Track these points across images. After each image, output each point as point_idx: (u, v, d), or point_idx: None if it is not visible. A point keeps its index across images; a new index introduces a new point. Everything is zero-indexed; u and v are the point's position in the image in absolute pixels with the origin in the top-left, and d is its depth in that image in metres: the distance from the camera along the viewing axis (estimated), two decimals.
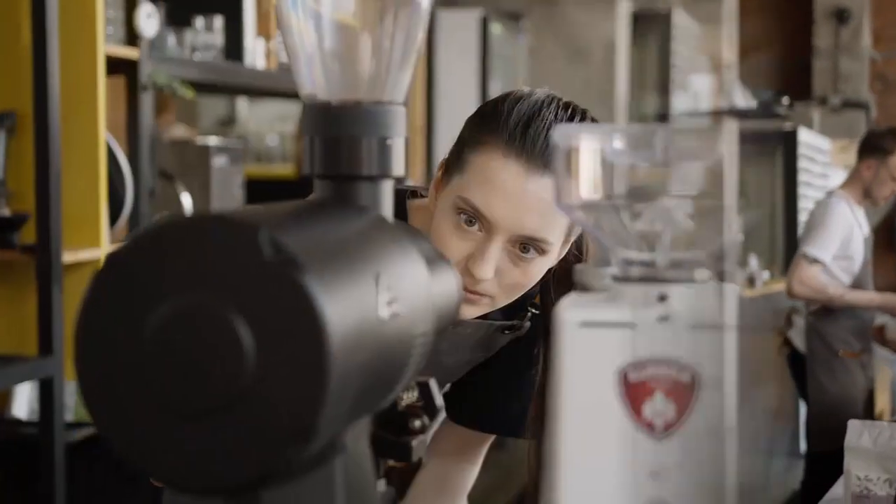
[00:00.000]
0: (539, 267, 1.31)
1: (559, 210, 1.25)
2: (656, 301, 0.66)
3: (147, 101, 2.94)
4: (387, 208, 0.77)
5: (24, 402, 3.01)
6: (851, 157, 8.06)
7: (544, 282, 1.38)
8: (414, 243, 0.76)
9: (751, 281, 5.70)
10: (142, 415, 0.60)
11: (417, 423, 0.84)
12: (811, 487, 4.61)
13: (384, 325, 0.65)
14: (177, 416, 0.59)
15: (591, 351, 0.66)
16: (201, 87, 3.61)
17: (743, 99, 5.94)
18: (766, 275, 5.95)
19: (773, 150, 6.83)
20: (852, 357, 4.59)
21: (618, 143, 0.67)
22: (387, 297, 0.66)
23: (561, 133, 0.67)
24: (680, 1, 7.09)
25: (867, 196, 4.59)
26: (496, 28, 5.45)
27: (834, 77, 8.34)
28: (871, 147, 4.59)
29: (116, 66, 2.89)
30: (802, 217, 7.00)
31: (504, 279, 1.29)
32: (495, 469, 2.28)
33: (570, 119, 1.29)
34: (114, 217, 2.82)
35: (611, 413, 0.65)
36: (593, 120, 1.34)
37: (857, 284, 4.59)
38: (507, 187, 1.25)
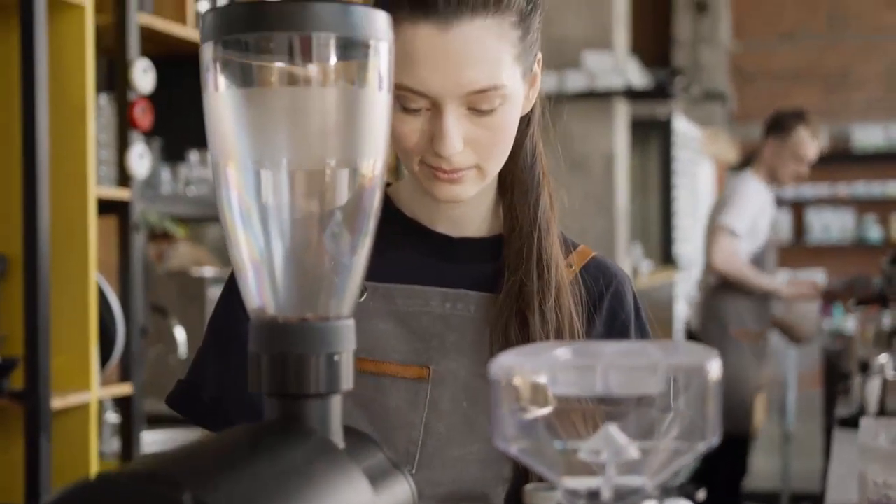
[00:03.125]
0: (507, 115, 1.23)
1: (495, 70, 1.14)
2: None
3: (139, 241, 2.94)
4: (335, 425, 0.76)
5: None
6: (720, 146, 8.10)
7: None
8: (359, 463, 0.75)
9: (635, 271, 5.70)
10: None
11: None
12: (700, 475, 4.45)
13: None
14: None
15: None
16: (196, 220, 3.62)
17: (637, 76, 5.87)
18: (648, 265, 6.00)
19: (647, 138, 6.83)
20: (745, 338, 4.51)
21: (560, 375, 0.66)
22: None
23: (500, 365, 0.66)
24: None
25: (773, 178, 4.62)
26: None
27: (694, 68, 8.36)
28: (772, 126, 4.64)
29: (109, 205, 2.91)
30: (676, 206, 7.03)
31: (477, 145, 1.21)
32: None
33: None
34: (105, 358, 2.80)
35: None
36: None
37: (756, 262, 4.56)
38: (428, 52, 1.17)
